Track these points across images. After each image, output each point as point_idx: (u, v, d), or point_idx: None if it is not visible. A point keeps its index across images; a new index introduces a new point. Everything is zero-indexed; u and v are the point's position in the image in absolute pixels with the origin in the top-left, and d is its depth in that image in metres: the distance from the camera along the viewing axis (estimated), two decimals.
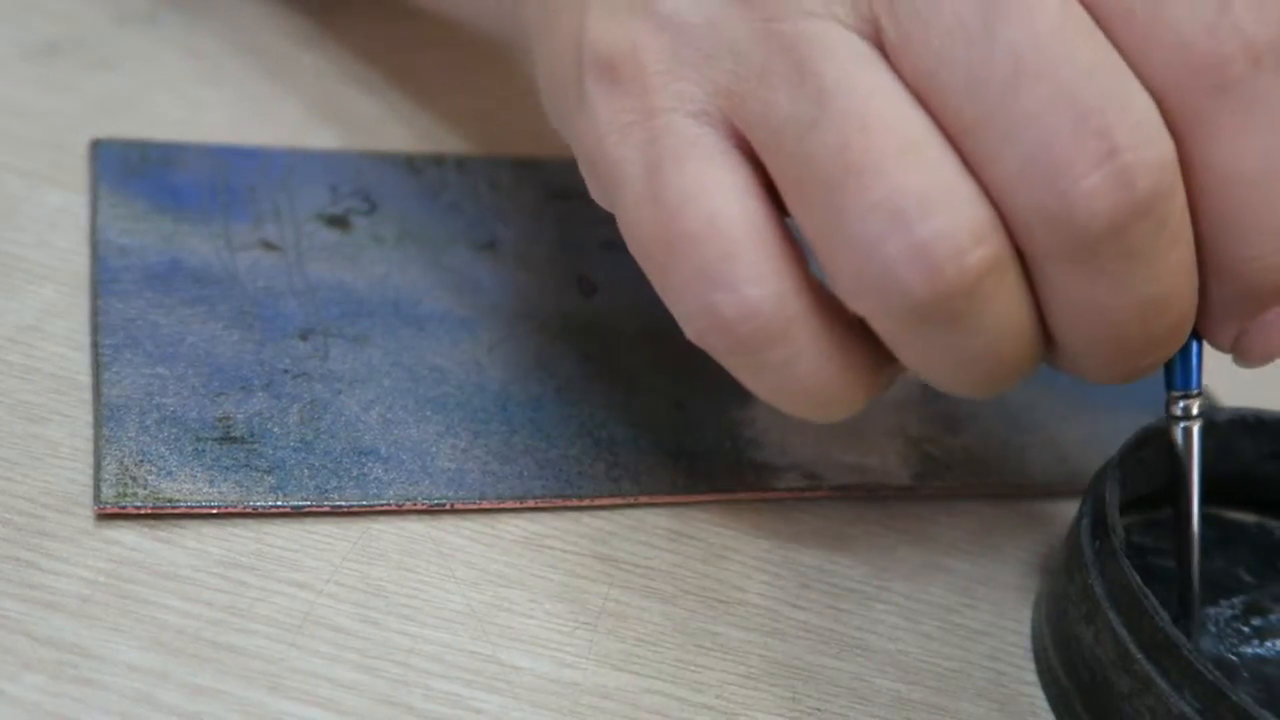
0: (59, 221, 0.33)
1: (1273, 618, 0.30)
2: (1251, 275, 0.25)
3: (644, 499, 0.30)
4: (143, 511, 0.27)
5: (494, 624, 0.27)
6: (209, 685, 0.25)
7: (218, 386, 0.30)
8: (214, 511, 0.27)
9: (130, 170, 0.35)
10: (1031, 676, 0.29)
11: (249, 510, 0.28)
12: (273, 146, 0.37)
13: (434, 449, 0.30)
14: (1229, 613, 0.30)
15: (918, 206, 0.23)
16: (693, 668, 0.27)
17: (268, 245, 0.34)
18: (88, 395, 0.29)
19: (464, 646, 0.27)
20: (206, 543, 0.27)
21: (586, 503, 0.30)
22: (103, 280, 0.31)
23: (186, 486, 0.28)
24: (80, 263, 0.32)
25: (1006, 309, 0.24)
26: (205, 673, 0.25)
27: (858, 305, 0.25)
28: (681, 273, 0.25)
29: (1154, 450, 0.30)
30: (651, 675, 0.27)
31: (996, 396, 0.27)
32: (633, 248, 0.26)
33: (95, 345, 0.30)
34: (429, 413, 0.30)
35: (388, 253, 0.34)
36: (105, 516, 0.27)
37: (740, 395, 0.33)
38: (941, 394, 0.35)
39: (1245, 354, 0.27)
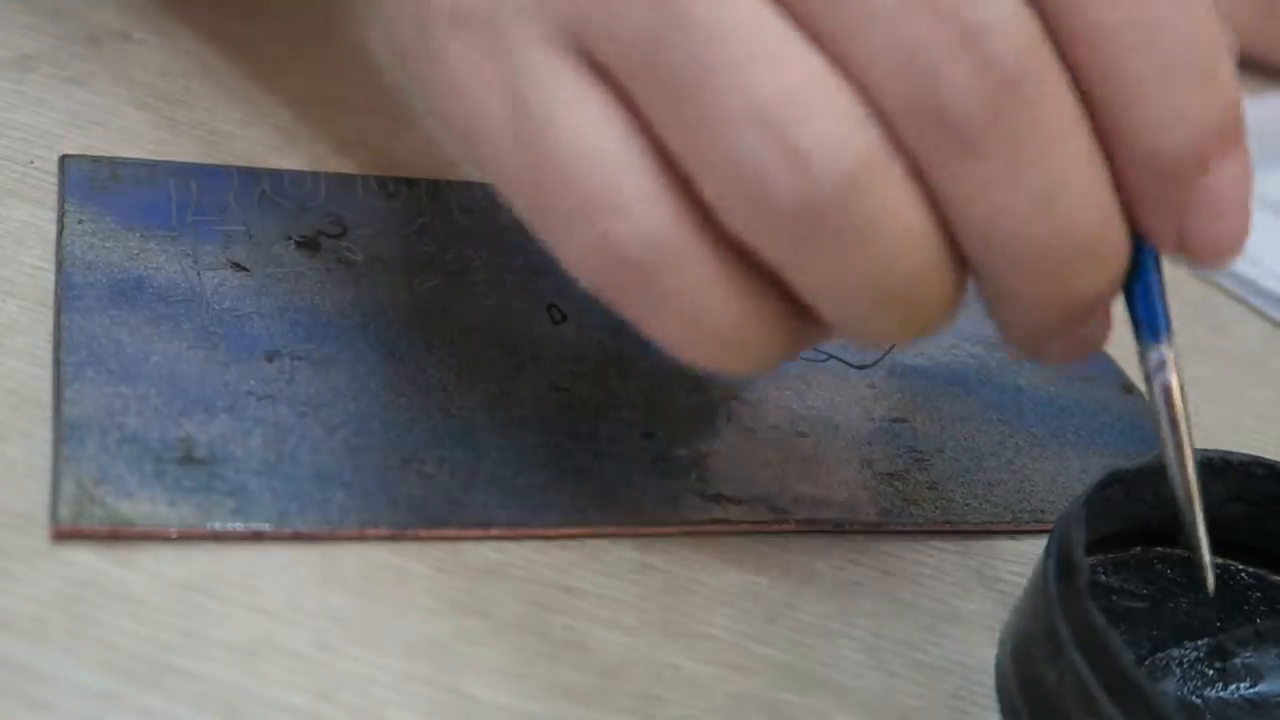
0: (25, 236, 0.33)
1: (1237, 661, 0.30)
2: (1159, 140, 0.23)
3: (609, 529, 0.30)
4: (100, 532, 0.27)
5: (454, 653, 0.27)
6: (162, 710, 0.24)
7: (180, 407, 0.29)
8: (172, 534, 0.27)
9: (99, 187, 0.34)
10: (995, 716, 0.29)
11: (208, 533, 0.27)
12: (243, 167, 0.37)
13: (398, 475, 0.29)
14: (1193, 655, 0.30)
15: (782, 106, 0.22)
16: (655, 701, 0.27)
17: (236, 265, 0.33)
18: (48, 413, 0.29)
19: (423, 676, 0.26)
20: (164, 565, 0.27)
21: (551, 532, 0.30)
22: (67, 296, 0.31)
23: (145, 508, 0.27)
24: (45, 278, 0.32)
25: (894, 210, 0.23)
26: (158, 697, 0.24)
27: (740, 225, 0.23)
28: (564, 206, 0.24)
29: (1121, 490, 0.30)
30: (613, 709, 0.27)
31: (919, 336, 0.25)
32: (506, 191, 0.25)
33: (57, 362, 0.29)
34: (394, 438, 0.30)
35: (357, 276, 0.34)
36: (62, 536, 0.26)
37: (708, 427, 0.33)
38: (911, 429, 0.35)
39: (1195, 248, 0.24)
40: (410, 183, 0.37)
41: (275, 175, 0.37)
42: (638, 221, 0.23)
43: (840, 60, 0.23)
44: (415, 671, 0.26)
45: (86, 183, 0.34)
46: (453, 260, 0.36)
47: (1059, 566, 0.28)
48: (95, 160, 0.35)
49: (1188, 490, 0.27)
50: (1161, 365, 0.26)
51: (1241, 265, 0.46)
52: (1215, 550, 0.33)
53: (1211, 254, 0.24)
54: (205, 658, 0.25)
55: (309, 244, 0.35)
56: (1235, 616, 0.32)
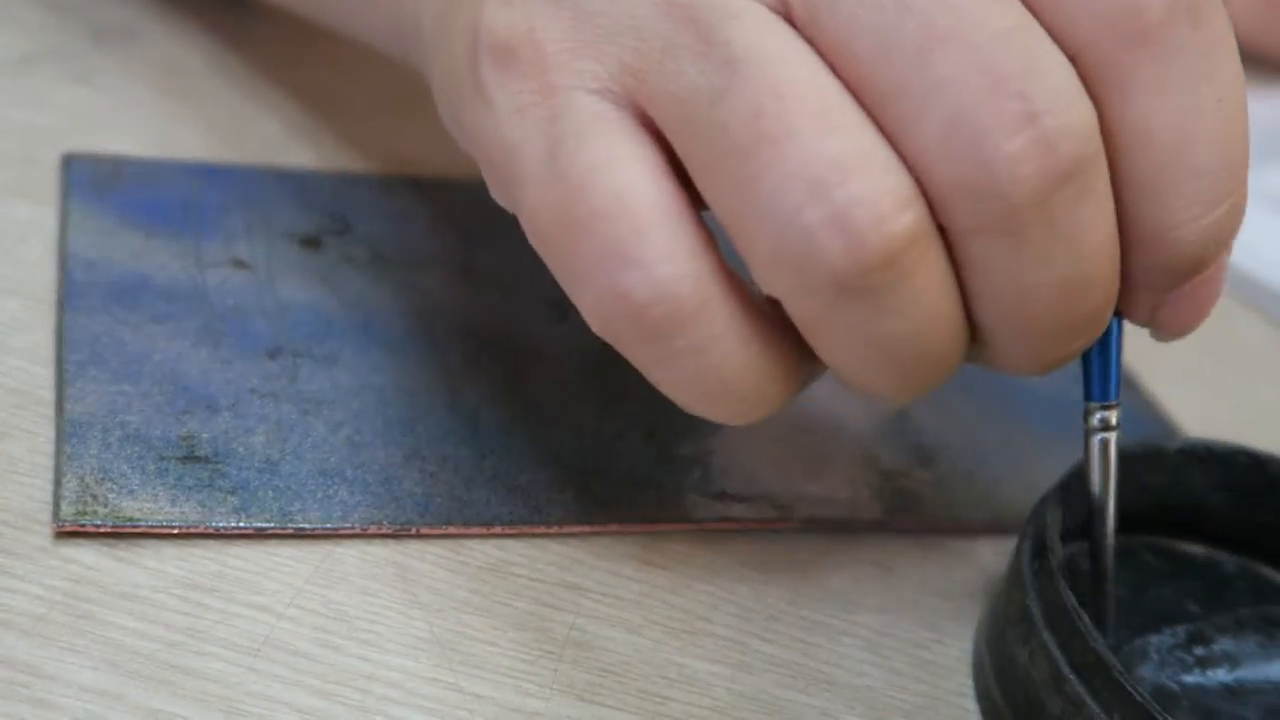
0: (27, 235, 0.33)
1: (1216, 647, 0.30)
2: (1169, 246, 0.24)
3: (612, 527, 0.30)
4: (102, 530, 0.27)
5: (457, 651, 0.27)
6: (164, 708, 0.24)
7: (183, 405, 0.29)
8: (175, 531, 0.27)
9: (102, 185, 0.34)
10: None
11: (211, 531, 0.27)
12: (247, 165, 0.37)
13: (401, 472, 0.29)
14: (1171, 641, 0.30)
15: (836, 172, 0.22)
16: (657, 699, 0.27)
17: (238, 263, 0.33)
18: (50, 411, 0.29)
19: (426, 674, 0.26)
20: (166, 563, 0.27)
21: (554, 530, 0.29)
22: (69, 295, 0.31)
23: (148, 505, 0.27)
24: (47, 276, 0.32)
25: (930, 286, 0.23)
26: (161, 695, 0.24)
27: (775, 283, 0.24)
28: (587, 253, 0.24)
29: None
30: (616, 706, 0.27)
31: (915, 398, 0.26)
32: (534, 235, 0.25)
33: (59, 360, 0.29)
34: (397, 435, 0.30)
35: (360, 273, 0.34)
36: (64, 534, 0.26)
37: (711, 425, 0.33)
38: (914, 427, 0.35)
39: (1161, 328, 0.26)
40: (414, 181, 0.37)
41: (279, 174, 0.37)
42: (659, 278, 0.23)
43: (893, 126, 0.23)
44: (418, 669, 0.26)
45: (89, 181, 0.34)
46: (456, 258, 0.36)
47: (1033, 548, 0.28)
48: (98, 158, 0.35)
49: (1106, 538, 0.28)
50: (1107, 425, 0.28)
51: (1244, 262, 0.46)
52: (1200, 538, 0.33)
53: (1176, 332, 0.26)
54: (208, 656, 0.25)
55: (312, 242, 0.35)
56: (1217, 605, 0.32)
